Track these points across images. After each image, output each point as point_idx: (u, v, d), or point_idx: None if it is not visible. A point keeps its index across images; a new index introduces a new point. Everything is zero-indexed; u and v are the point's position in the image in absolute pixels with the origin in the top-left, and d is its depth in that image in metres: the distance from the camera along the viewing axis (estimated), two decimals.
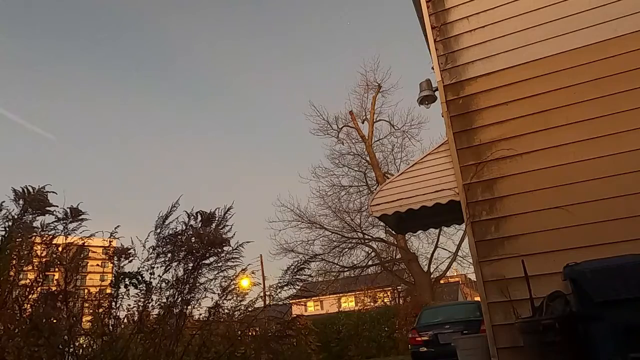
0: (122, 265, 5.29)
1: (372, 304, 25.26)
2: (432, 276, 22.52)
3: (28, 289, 4.81)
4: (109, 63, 76.45)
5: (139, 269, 5.22)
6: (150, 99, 72.77)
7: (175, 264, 5.33)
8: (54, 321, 4.70)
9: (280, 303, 5.94)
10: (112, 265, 5.37)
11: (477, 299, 8.97)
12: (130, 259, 5.31)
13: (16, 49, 76.12)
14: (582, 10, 5.13)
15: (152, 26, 75.66)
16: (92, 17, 75.22)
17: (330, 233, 22.85)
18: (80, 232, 5.19)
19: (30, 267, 4.90)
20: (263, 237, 25.62)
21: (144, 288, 5.19)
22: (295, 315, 6.14)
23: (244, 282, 6.18)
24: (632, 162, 4.61)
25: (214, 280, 5.54)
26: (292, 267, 5.92)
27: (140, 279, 5.18)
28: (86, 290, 5.73)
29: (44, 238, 5.04)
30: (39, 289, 4.91)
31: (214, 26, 69.65)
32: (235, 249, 5.59)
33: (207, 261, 5.45)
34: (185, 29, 69.32)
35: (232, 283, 5.67)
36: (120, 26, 74.20)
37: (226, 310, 5.60)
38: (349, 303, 30.52)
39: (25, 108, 77.30)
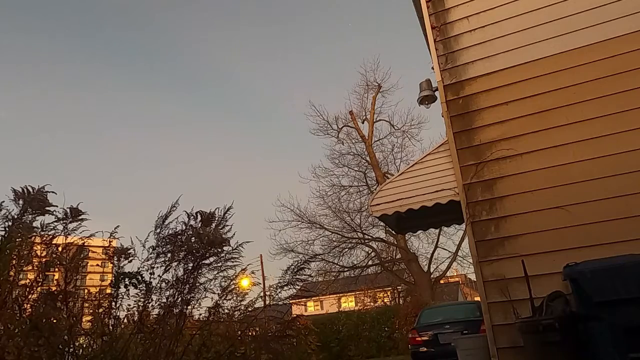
0: (122, 265, 5.29)
1: (372, 304, 25.33)
2: (432, 276, 22.55)
3: (28, 289, 4.80)
4: (105, 60, 76.41)
5: (138, 269, 5.22)
6: (149, 97, 72.78)
7: (175, 264, 5.33)
8: (54, 321, 4.69)
9: (280, 303, 5.93)
10: (112, 265, 5.37)
11: (477, 299, 8.97)
12: (130, 259, 5.31)
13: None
14: (582, 10, 5.12)
15: (150, 22, 75.67)
16: (89, 13, 75.22)
17: (330, 233, 22.93)
18: (80, 232, 5.20)
19: (30, 267, 4.89)
20: (263, 237, 25.73)
21: (143, 288, 5.18)
22: (295, 315, 6.15)
23: (244, 282, 6.18)
24: (632, 162, 4.60)
25: (213, 280, 5.54)
26: (292, 267, 5.93)
27: (140, 279, 5.17)
28: (86, 290, 5.72)
29: (44, 238, 5.03)
30: (39, 289, 4.91)
31: (213, 25, 69.69)
32: (235, 249, 5.59)
33: (207, 261, 5.45)
34: (184, 28, 69.35)
35: (232, 283, 5.67)
36: (114, 21, 74.18)
37: (226, 310, 5.60)
38: (349, 303, 30.57)
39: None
